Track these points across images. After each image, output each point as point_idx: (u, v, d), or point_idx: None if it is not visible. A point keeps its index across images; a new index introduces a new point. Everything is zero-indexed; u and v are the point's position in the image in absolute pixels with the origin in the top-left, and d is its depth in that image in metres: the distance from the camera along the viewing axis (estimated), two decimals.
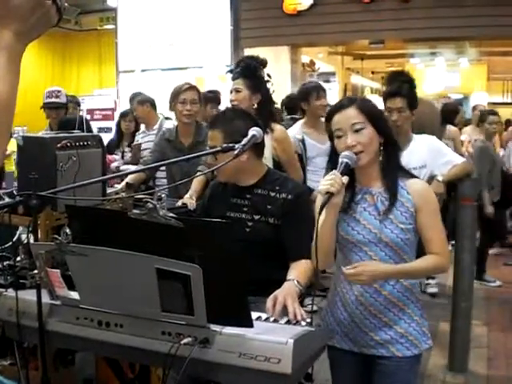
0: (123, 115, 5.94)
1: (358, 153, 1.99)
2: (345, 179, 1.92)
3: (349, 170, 1.97)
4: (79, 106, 6.60)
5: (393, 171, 2.08)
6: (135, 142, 5.40)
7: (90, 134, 2.89)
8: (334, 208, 1.95)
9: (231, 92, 3.39)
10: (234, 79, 3.42)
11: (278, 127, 3.42)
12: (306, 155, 4.39)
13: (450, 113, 7.16)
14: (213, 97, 5.68)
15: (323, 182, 1.91)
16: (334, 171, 1.94)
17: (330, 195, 1.88)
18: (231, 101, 3.36)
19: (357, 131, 2.00)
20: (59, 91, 5.01)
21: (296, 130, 4.46)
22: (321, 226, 1.92)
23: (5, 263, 2.33)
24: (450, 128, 6.92)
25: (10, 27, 1.02)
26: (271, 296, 2.07)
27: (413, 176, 2.15)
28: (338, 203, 1.95)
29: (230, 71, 3.60)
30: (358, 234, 2.05)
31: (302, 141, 4.39)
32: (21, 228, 2.53)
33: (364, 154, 2.00)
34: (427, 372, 3.80)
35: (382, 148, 2.06)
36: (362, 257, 2.04)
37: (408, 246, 2.05)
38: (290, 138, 3.58)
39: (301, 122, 4.63)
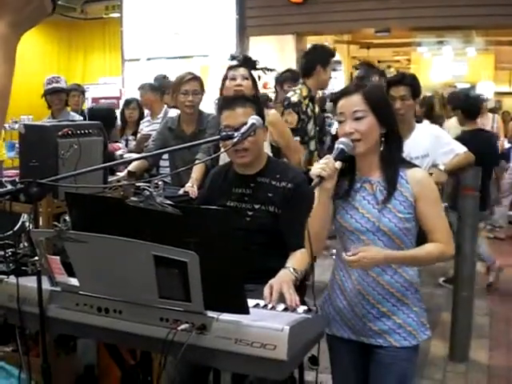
0: (127, 103, 5.94)
1: (355, 141, 1.99)
2: (338, 164, 1.93)
3: (344, 157, 1.97)
4: (84, 94, 6.61)
5: (393, 162, 2.06)
6: (141, 131, 5.41)
7: (91, 122, 2.89)
8: (325, 193, 1.96)
9: (235, 78, 3.36)
10: (236, 66, 3.43)
11: (271, 111, 3.47)
12: None
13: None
14: (290, 76, 5.50)
15: (316, 165, 1.93)
16: (327, 156, 1.95)
17: (321, 179, 1.90)
18: (237, 85, 3.32)
19: (357, 119, 2.00)
20: (58, 77, 5.02)
21: None
22: (312, 211, 1.94)
23: (7, 250, 2.36)
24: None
25: (4, 18, 1.02)
26: (267, 285, 2.10)
27: (414, 166, 2.13)
28: (330, 188, 1.96)
29: (233, 58, 3.62)
30: (357, 223, 2.05)
31: None
32: (25, 216, 2.55)
33: (361, 142, 2.00)
34: (428, 361, 3.82)
35: (383, 139, 2.05)
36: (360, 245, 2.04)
37: (406, 236, 2.04)
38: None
39: None
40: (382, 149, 2.06)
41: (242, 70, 3.38)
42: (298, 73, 5.57)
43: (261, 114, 2.45)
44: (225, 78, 3.43)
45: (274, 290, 2.05)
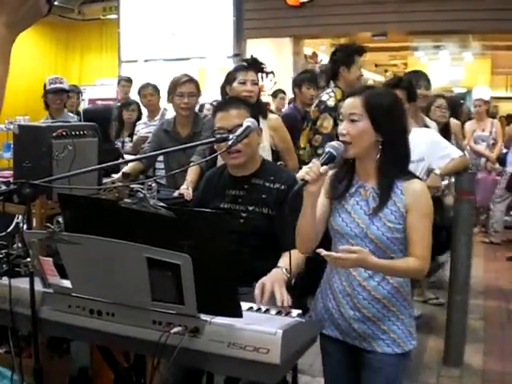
0: (126, 105, 5.94)
1: (346, 143, 1.99)
2: (323, 169, 1.93)
3: (334, 160, 1.99)
4: (80, 95, 6.60)
5: (388, 171, 2.02)
6: (137, 133, 5.41)
7: (86, 123, 2.88)
8: (310, 196, 1.96)
9: (244, 82, 3.32)
10: (246, 69, 3.40)
11: (272, 116, 3.48)
12: None
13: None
14: (308, 77, 5.41)
15: (303, 168, 1.94)
16: (314, 160, 1.97)
17: (304, 182, 1.91)
18: (248, 91, 3.28)
19: (352, 121, 2.00)
20: (62, 78, 5.00)
21: None
22: (300, 213, 1.97)
23: (0, 251, 2.34)
24: (453, 121, 6.93)
25: (1, 18, 1.03)
26: (258, 284, 2.10)
27: (414, 177, 2.08)
28: (314, 191, 1.96)
29: (243, 59, 3.63)
30: (347, 227, 2.05)
31: None
32: (20, 217, 2.54)
33: (351, 146, 1.99)
34: (422, 365, 3.81)
35: (381, 146, 2.01)
36: None
37: (396, 245, 2.01)
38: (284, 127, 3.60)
39: None
40: (378, 156, 2.03)
41: (252, 75, 3.34)
42: (316, 73, 5.56)
43: (255, 116, 2.45)
44: (232, 79, 3.36)
45: (266, 289, 2.05)
